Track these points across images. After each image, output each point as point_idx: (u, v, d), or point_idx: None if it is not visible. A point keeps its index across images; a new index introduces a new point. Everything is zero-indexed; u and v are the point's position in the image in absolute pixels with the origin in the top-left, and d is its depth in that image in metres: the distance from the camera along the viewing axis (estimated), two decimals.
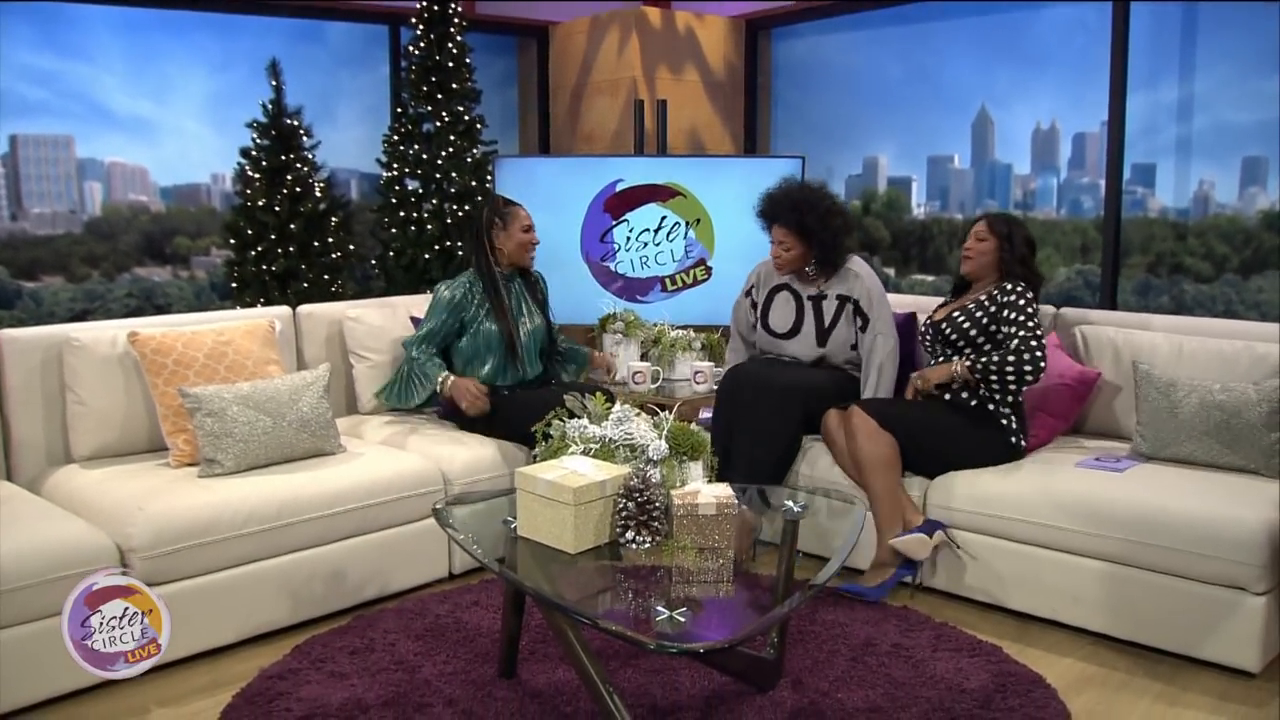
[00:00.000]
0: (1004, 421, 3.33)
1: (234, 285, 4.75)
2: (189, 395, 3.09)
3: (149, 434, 3.33)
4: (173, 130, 4.95)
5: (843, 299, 3.67)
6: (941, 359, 3.46)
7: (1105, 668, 2.89)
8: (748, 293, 3.94)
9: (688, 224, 4.81)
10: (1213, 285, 4.42)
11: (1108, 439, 3.61)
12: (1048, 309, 3.89)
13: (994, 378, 3.27)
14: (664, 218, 4.81)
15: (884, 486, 3.25)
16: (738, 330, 3.99)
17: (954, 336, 3.40)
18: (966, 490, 3.24)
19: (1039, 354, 3.23)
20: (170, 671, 2.79)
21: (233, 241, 4.72)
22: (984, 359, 3.28)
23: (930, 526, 3.21)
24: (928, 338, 3.53)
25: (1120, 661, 2.92)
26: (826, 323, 3.68)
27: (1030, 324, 3.27)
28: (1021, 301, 3.31)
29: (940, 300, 3.73)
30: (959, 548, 3.22)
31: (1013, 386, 3.27)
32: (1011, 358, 3.24)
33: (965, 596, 3.28)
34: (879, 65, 5.38)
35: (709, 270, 4.82)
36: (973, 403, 3.35)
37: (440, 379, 3.59)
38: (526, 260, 3.81)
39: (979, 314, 3.37)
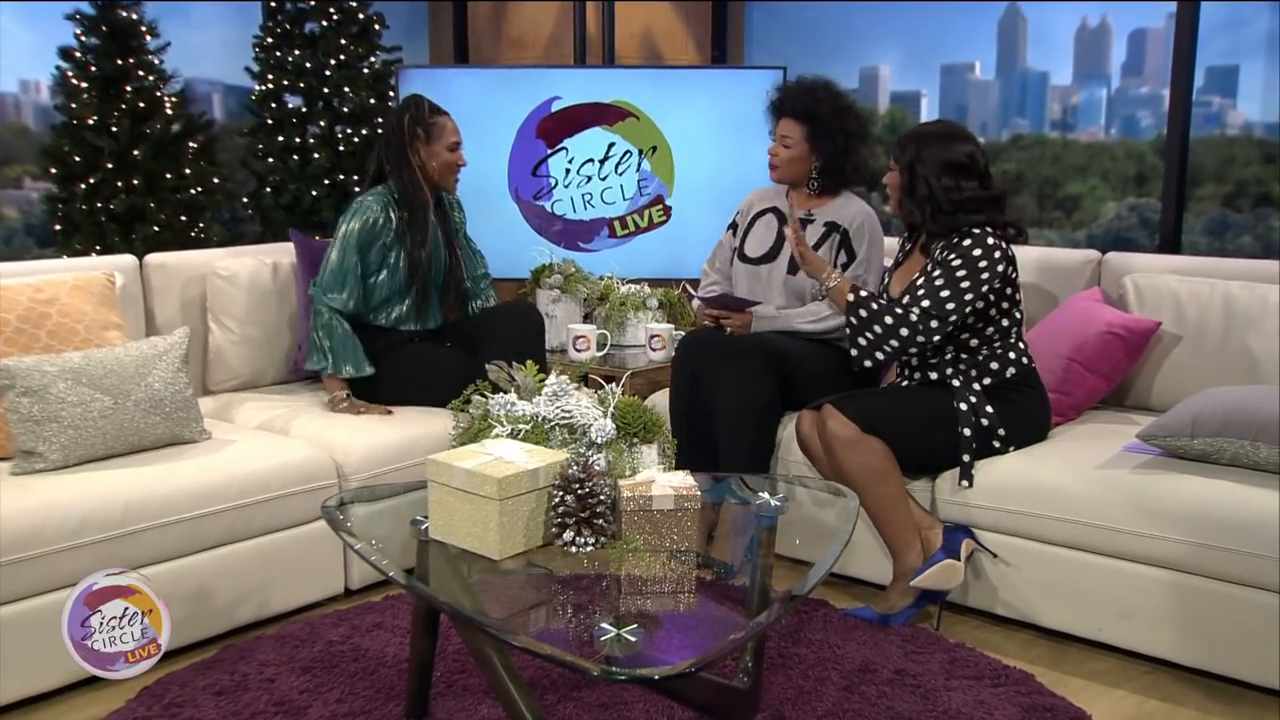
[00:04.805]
0: (1016, 400, 3.32)
1: (58, 228, 4.67)
2: None
3: None
4: None
5: (831, 226, 3.74)
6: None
7: (1170, 703, 2.91)
8: (732, 224, 4.00)
9: (641, 153, 4.81)
10: None
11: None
12: (1091, 254, 3.94)
13: (862, 316, 3.30)
14: (612, 145, 4.81)
15: (883, 500, 3.23)
16: (714, 267, 4.01)
17: None
18: (985, 480, 3.25)
19: (910, 332, 3.23)
20: None
21: (54, 171, 4.63)
22: (870, 298, 3.31)
23: (954, 540, 3.20)
24: None
25: (1189, 695, 2.94)
26: None
27: (931, 282, 3.22)
28: (957, 259, 3.23)
29: (894, 253, 3.65)
30: (995, 555, 3.24)
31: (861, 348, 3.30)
32: (887, 319, 3.26)
33: (986, 611, 3.33)
34: None
35: (667, 211, 4.83)
36: (977, 385, 3.32)
37: (340, 379, 3.72)
38: (450, 184, 3.90)
39: None
